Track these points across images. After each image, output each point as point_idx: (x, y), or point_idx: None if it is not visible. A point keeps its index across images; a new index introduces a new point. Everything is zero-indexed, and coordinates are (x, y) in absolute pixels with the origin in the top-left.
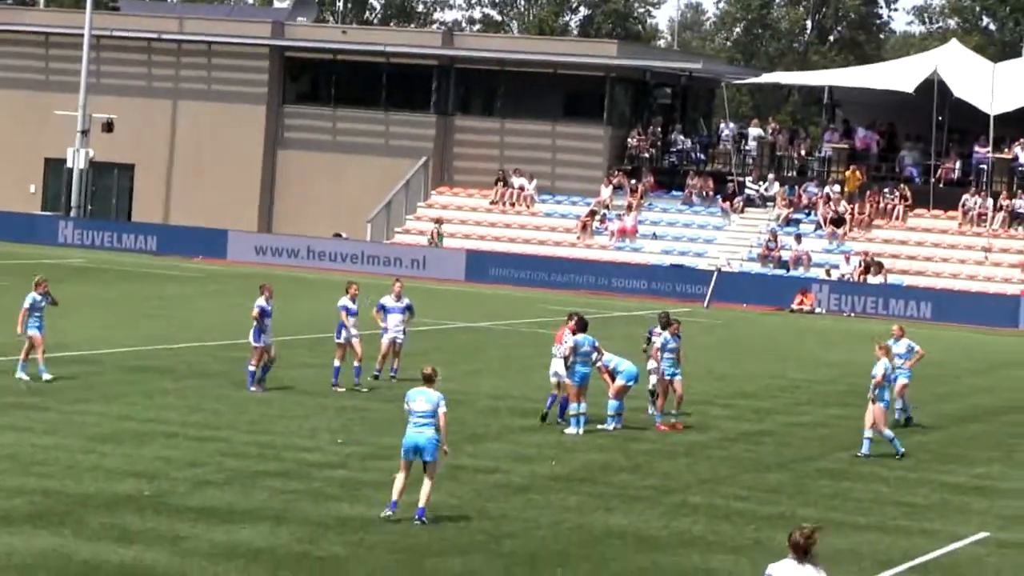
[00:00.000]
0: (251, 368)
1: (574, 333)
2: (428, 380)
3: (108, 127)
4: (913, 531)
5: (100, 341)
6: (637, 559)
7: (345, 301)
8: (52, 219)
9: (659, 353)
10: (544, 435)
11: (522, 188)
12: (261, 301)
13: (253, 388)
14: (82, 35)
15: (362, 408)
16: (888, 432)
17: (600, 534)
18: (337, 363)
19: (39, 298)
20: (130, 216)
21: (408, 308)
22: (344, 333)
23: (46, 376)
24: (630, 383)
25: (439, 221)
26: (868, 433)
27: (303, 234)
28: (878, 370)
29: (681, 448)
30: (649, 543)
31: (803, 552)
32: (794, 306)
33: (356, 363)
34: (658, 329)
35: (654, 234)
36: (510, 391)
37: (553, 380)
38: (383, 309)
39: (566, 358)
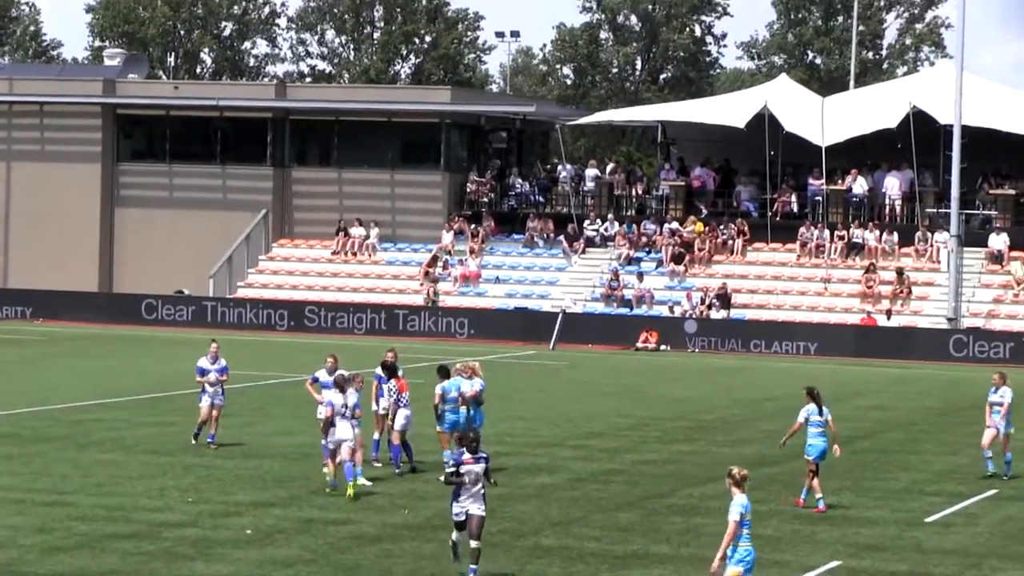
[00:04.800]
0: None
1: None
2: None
3: None
4: (766, 563)
5: None
6: None
7: (379, 371)
8: None
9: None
10: (395, 484)
11: (363, 238)
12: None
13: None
14: None
15: (208, 466)
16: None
17: None
18: (376, 435)
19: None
20: None
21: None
22: (382, 402)
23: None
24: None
25: (435, 280)
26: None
27: (144, 292)
28: None
29: (532, 491)
30: None
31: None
32: (639, 344)
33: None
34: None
35: (497, 278)
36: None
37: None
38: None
39: (435, 406)
